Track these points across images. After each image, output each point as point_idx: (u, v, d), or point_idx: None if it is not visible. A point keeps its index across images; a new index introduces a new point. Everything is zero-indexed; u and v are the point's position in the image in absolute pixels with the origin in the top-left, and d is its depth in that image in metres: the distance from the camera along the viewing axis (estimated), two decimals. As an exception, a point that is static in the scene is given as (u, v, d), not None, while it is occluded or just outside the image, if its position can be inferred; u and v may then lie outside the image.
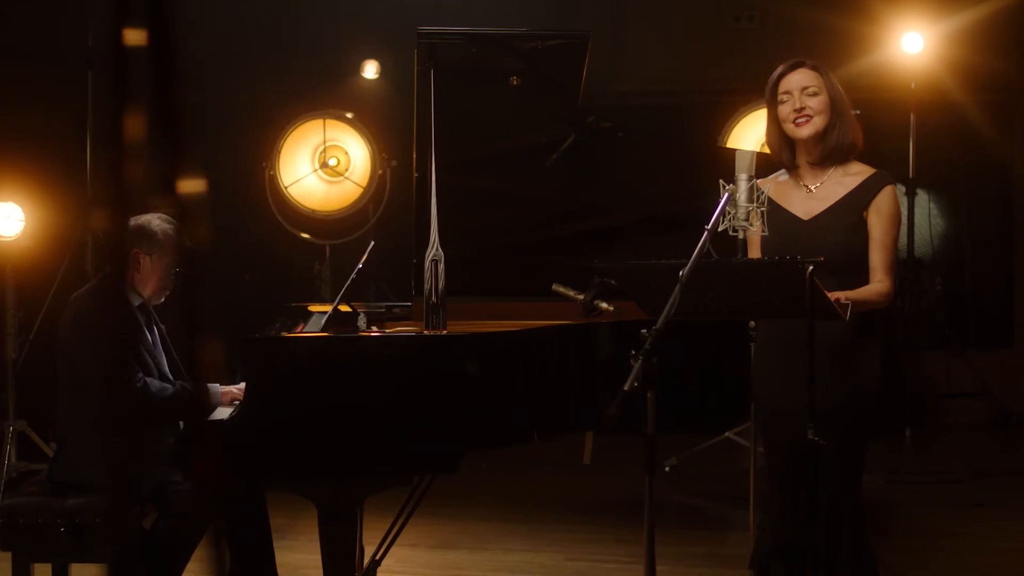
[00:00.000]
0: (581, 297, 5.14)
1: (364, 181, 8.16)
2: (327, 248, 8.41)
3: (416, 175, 5.00)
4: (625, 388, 3.38)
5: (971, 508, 7.19)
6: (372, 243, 4.93)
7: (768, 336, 4.36)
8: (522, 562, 6.12)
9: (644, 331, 3.46)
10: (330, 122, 8.22)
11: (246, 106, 9.13)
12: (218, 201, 8.61)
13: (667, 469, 7.88)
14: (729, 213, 3.84)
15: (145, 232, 4.93)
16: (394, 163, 8.21)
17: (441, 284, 4.43)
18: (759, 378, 4.38)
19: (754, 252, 4.30)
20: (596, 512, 7.17)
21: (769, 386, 4.33)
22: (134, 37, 1.29)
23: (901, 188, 8.16)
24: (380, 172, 8.16)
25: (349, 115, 8.43)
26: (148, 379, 4.75)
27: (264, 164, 8.16)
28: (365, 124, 8.35)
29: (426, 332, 4.40)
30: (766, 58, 9.29)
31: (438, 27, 4.60)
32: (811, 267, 3.66)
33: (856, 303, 3.98)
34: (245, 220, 8.51)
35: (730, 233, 3.91)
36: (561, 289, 5.21)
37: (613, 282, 5.09)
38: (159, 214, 5.01)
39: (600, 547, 6.36)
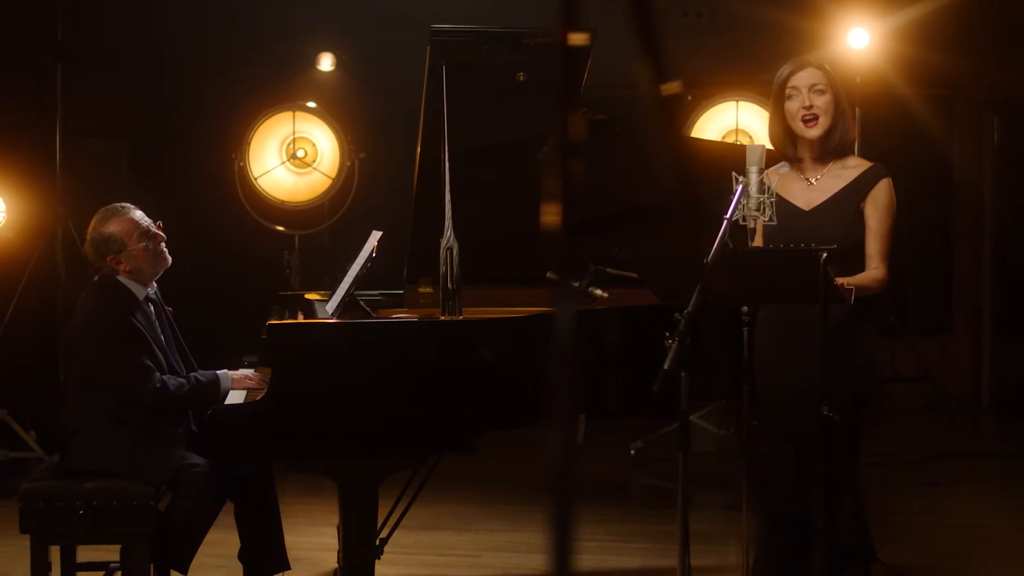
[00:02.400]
0: (576, 284, 5.33)
1: (333, 172, 8.29)
2: (296, 238, 8.53)
3: (418, 167, 5.16)
4: (665, 367, 3.59)
5: (927, 488, 7.51)
6: (380, 233, 5.05)
7: (767, 320, 4.57)
8: (507, 541, 6.32)
9: (677, 315, 3.69)
10: (299, 114, 8.33)
11: (209, 98, 9.24)
12: (186, 193, 8.75)
13: (632, 452, 8.10)
14: (741, 204, 4.06)
15: (101, 241, 4.96)
16: (362, 155, 8.34)
17: (456, 271, 4.60)
18: (759, 361, 4.59)
19: (757, 241, 4.52)
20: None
21: (769, 368, 4.54)
22: (577, 39, 1.48)
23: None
24: (348, 164, 8.29)
25: (312, 104, 8.55)
26: (165, 378, 4.86)
27: (234, 155, 8.26)
28: (329, 116, 8.47)
29: (442, 317, 4.58)
30: (715, 53, 9.66)
31: (450, 25, 4.77)
32: (825, 254, 3.89)
33: (856, 288, 4.22)
34: (215, 210, 8.62)
35: (740, 223, 4.13)
36: (555, 277, 5.39)
37: (608, 269, 5.31)
38: (95, 217, 5.04)
39: (583, 527, 6.52)
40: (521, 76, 4.99)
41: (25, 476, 7.29)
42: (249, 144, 8.20)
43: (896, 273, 10.20)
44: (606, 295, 5.27)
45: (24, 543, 6.06)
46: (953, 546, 6.22)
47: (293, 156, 8.27)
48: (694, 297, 3.77)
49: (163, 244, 5.05)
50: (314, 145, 8.33)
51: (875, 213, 4.43)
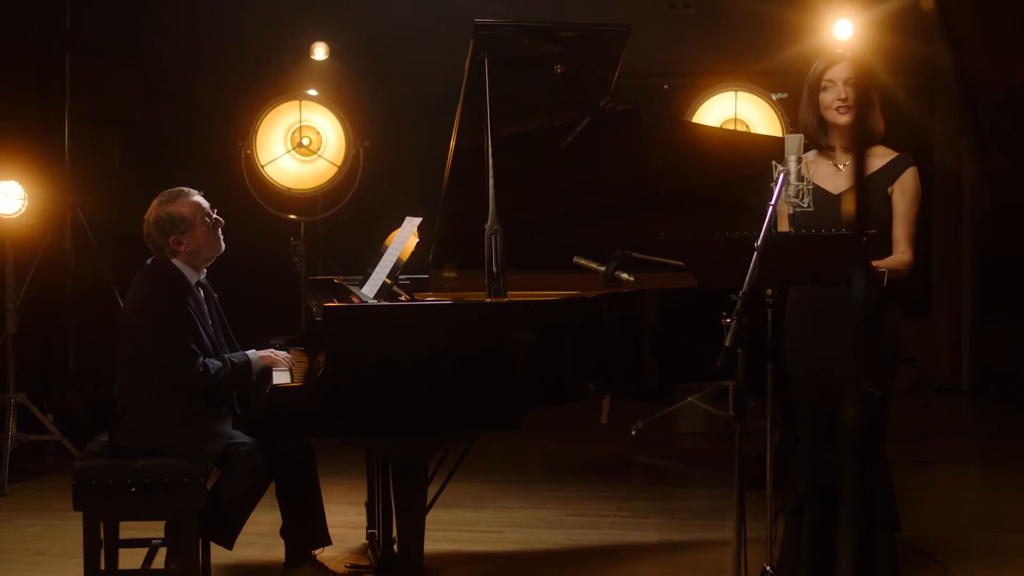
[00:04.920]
0: (602, 269, 5.55)
1: (338, 160, 8.45)
2: (302, 225, 8.69)
3: (452, 155, 5.32)
4: (727, 344, 3.82)
5: (922, 465, 7.76)
6: (419, 219, 5.21)
7: (797, 301, 4.80)
8: (525, 518, 6.51)
9: (733, 296, 3.91)
10: (304, 103, 8.49)
11: (205, 88, 9.38)
12: (185, 181, 8.87)
13: (633, 433, 8.32)
14: (784, 191, 4.29)
15: (167, 220, 5.10)
16: (367, 143, 8.51)
17: (501, 255, 4.78)
18: (790, 339, 4.80)
19: (782, 226, 4.73)
20: (581, 472, 7.62)
21: (802, 347, 4.76)
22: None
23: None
24: (354, 152, 8.46)
25: (313, 92, 8.71)
26: (207, 362, 4.99)
27: (240, 144, 8.40)
28: (326, 105, 8.61)
29: (488, 300, 4.76)
30: (702, 45, 9.85)
31: (493, 19, 4.95)
32: (865, 238, 4.11)
33: (888, 271, 4.46)
34: (216, 198, 8.74)
35: (778, 209, 4.35)
36: (582, 261, 5.61)
37: (634, 254, 5.52)
38: (157, 199, 5.18)
39: (594, 504, 6.78)
40: (559, 68, 5.18)
41: (42, 459, 7.47)
42: (256, 133, 8.34)
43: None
44: (632, 279, 5.48)
45: (54, 521, 6.29)
46: (943, 520, 6.46)
47: (299, 144, 8.41)
48: (747, 278, 3.99)
49: (220, 230, 5.20)
50: (319, 133, 8.48)
51: (902, 199, 4.69)
